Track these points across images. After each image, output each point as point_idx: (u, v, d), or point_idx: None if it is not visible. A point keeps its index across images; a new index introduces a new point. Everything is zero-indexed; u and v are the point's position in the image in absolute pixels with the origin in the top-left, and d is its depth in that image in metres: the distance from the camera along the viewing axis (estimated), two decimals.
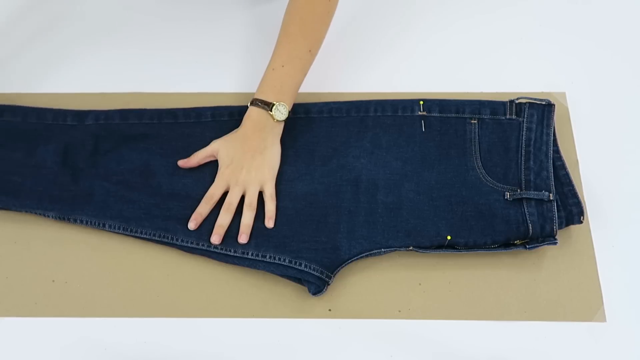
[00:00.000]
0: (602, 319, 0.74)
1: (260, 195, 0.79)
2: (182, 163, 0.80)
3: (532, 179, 0.78)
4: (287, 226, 0.78)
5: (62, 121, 0.85)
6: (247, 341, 0.73)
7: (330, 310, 0.75)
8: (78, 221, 0.78)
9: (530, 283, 0.76)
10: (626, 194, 0.82)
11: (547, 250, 0.77)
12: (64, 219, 0.78)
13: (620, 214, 0.80)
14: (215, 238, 0.76)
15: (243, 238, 0.76)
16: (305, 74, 0.82)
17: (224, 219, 0.77)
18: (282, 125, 0.81)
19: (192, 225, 0.77)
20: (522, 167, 0.80)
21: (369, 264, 0.77)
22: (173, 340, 0.73)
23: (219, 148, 0.80)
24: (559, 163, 0.80)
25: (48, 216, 0.79)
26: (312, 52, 0.82)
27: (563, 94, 0.88)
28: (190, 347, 0.73)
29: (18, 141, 0.83)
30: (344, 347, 0.73)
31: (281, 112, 0.78)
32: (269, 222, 0.78)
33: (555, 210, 0.76)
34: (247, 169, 0.78)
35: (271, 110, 0.78)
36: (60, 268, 0.77)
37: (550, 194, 0.77)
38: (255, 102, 0.79)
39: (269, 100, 0.78)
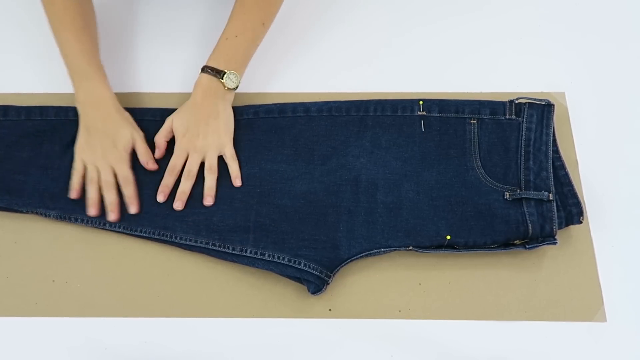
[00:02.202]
0: (602, 319, 0.74)
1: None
2: (158, 154, 0.81)
3: (531, 179, 0.79)
4: (286, 223, 0.78)
5: (64, 117, 0.85)
6: (247, 341, 0.74)
7: (330, 310, 0.75)
8: (79, 220, 0.79)
9: (530, 283, 0.76)
10: (626, 194, 0.82)
11: (547, 250, 0.77)
12: (64, 218, 0.79)
13: (620, 214, 0.80)
14: (178, 204, 0.78)
15: (208, 200, 0.78)
16: (257, 46, 0.85)
17: (185, 186, 0.79)
18: (232, 94, 0.82)
19: (160, 197, 0.78)
20: (522, 167, 0.80)
21: (369, 264, 0.77)
22: (173, 340, 0.74)
23: (172, 120, 0.81)
24: (558, 163, 0.80)
25: (49, 215, 0.79)
26: (265, 25, 0.84)
27: (562, 94, 0.88)
28: (190, 347, 0.73)
29: (23, 139, 0.84)
30: (344, 347, 0.73)
31: (232, 80, 0.80)
32: (236, 181, 0.80)
33: (555, 211, 0.76)
34: (203, 135, 0.80)
35: (222, 78, 0.80)
36: (60, 268, 0.77)
37: (550, 194, 0.77)
38: (206, 69, 0.80)
39: (220, 68, 0.80)
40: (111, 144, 0.79)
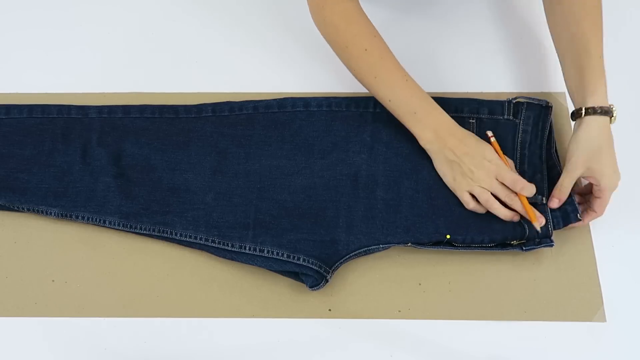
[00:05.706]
0: (602, 319, 0.74)
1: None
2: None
3: None
4: (286, 218, 0.78)
5: (66, 114, 0.85)
6: (247, 341, 0.74)
7: (330, 310, 0.75)
8: (80, 218, 0.79)
9: (530, 283, 0.76)
10: (626, 194, 0.82)
11: (547, 250, 0.77)
12: (65, 216, 0.79)
13: (620, 214, 0.80)
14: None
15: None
16: None
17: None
18: None
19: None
20: (517, 170, 0.79)
21: (368, 264, 0.77)
22: (173, 340, 0.74)
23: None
24: (550, 162, 0.80)
25: (50, 213, 0.79)
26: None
27: (563, 94, 0.88)
28: (190, 347, 0.73)
29: (26, 137, 0.84)
30: (344, 347, 0.73)
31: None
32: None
33: (549, 213, 0.76)
34: None
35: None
36: (60, 268, 0.77)
37: (544, 198, 0.77)
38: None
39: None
40: (482, 159, 0.75)
